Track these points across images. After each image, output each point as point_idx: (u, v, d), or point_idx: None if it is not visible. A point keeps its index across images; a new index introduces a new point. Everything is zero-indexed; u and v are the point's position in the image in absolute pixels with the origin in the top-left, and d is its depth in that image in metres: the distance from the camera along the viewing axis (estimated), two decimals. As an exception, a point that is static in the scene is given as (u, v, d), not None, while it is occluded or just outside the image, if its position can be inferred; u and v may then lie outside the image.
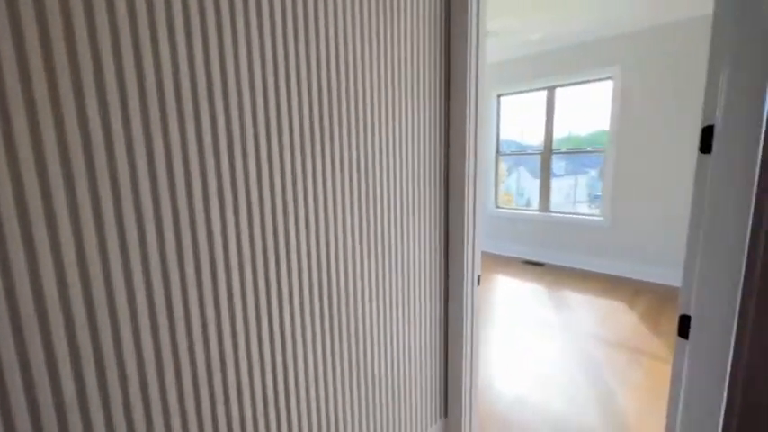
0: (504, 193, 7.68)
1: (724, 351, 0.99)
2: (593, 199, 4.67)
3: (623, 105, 3.82)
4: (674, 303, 3.26)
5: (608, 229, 4.10)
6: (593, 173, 4.52)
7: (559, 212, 4.61)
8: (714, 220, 0.97)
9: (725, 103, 0.94)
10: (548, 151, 4.55)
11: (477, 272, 1.55)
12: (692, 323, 1.03)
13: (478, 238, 1.54)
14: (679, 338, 1.09)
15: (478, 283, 1.56)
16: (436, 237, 1.48)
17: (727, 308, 0.97)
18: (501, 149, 5.11)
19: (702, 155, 1.02)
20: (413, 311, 1.42)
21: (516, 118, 4.87)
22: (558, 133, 4.49)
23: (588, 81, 4.10)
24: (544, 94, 4.48)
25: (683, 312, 1.09)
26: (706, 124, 1.00)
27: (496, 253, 5.14)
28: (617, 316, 3.06)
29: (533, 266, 4.52)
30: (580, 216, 4.36)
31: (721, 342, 0.99)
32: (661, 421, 1.83)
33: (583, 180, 4.74)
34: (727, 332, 0.98)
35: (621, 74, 3.78)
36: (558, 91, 4.39)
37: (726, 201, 0.95)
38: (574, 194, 4.76)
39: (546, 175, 4.62)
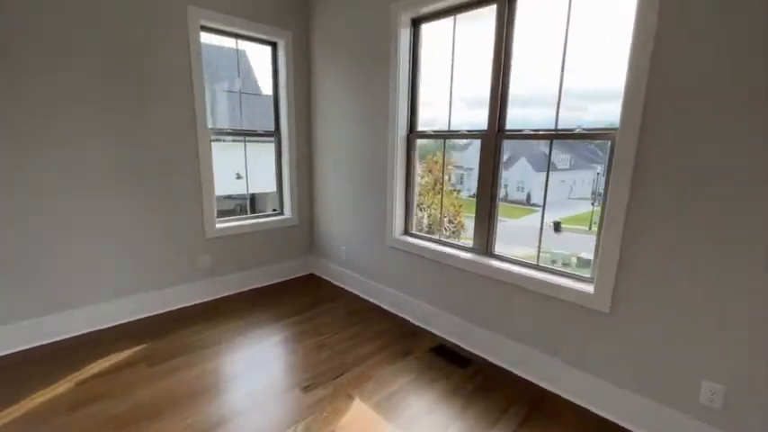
0: (452, 201, 5.23)
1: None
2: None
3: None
4: None
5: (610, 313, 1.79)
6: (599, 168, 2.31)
7: (507, 260, 2.28)
8: None
9: None
10: (494, 129, 2.22)
11: None
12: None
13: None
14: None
15: None
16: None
17: None
18: (417, 127, 2.74)
19: None
20: None
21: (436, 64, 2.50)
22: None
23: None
24: (492, 11, 2.13)
25: None
26: None
27: (389, 310, 2.83)
28: None
29: (450, 364, 2.23)
30: (559, 280, 2.03)
31: None
32: None
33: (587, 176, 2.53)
34: None
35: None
36: (521, 3, 2.04)
37: None
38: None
39: (489, 168, 2.30)
